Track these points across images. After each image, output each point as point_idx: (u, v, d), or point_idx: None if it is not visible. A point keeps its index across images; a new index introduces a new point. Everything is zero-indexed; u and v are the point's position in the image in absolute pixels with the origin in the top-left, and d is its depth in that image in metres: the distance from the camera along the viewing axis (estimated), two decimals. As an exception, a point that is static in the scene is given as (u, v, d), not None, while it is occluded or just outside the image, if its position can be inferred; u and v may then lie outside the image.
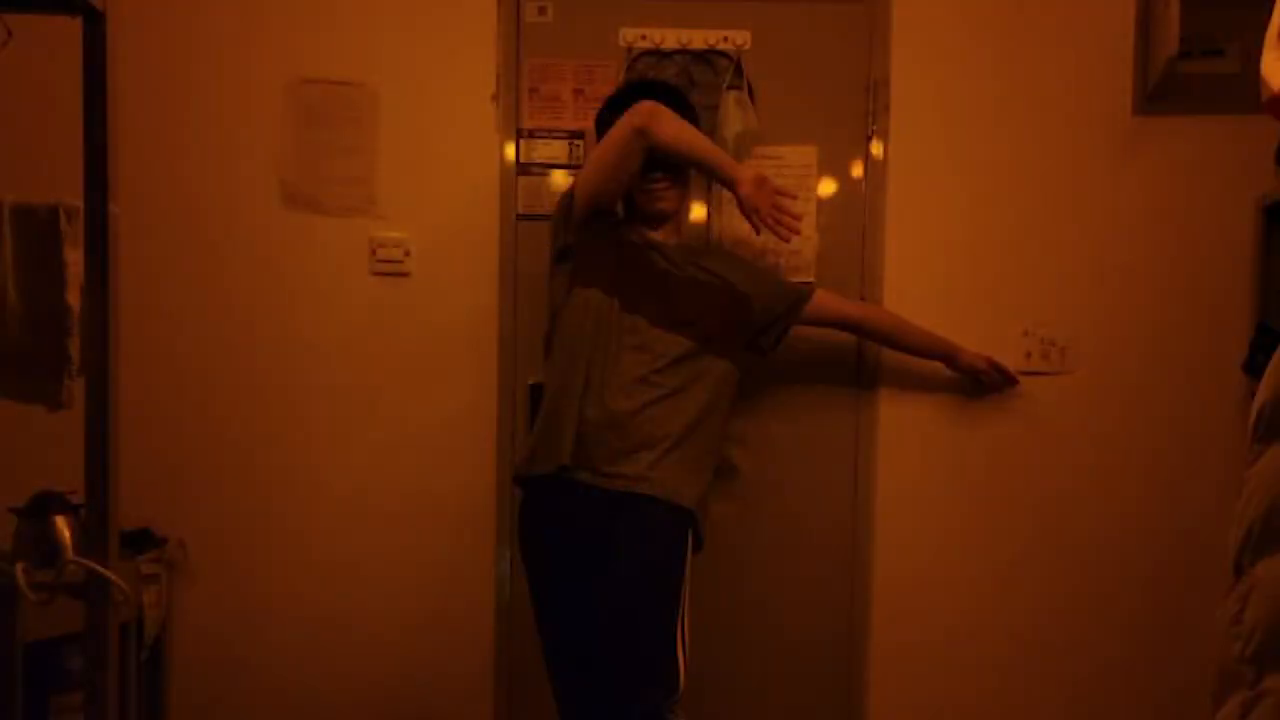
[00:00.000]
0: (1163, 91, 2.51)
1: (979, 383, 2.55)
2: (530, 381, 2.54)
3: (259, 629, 2.60)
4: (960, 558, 2.60)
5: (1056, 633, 2.59)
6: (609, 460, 2.11)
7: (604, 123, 2.27)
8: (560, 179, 2.57)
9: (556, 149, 2.58)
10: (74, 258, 1.55)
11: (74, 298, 1.56)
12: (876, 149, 2.58)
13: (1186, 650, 2.51)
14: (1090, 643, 2.58)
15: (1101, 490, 2.58)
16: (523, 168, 2.59)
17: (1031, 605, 2.59)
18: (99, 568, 1.46)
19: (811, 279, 2.57)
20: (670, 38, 2.56)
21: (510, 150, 2.58)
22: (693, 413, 2.16)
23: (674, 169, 2.26)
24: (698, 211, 2.60)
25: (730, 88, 2.52)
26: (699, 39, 2.56)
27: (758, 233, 2.21)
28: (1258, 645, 0.97)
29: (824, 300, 2.42)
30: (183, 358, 2.58)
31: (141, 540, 2.42)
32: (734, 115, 2.49)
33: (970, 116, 2.57)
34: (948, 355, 2.50)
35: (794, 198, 2.32)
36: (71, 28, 1.46)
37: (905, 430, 2.59)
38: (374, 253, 2.58)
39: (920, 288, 2.57)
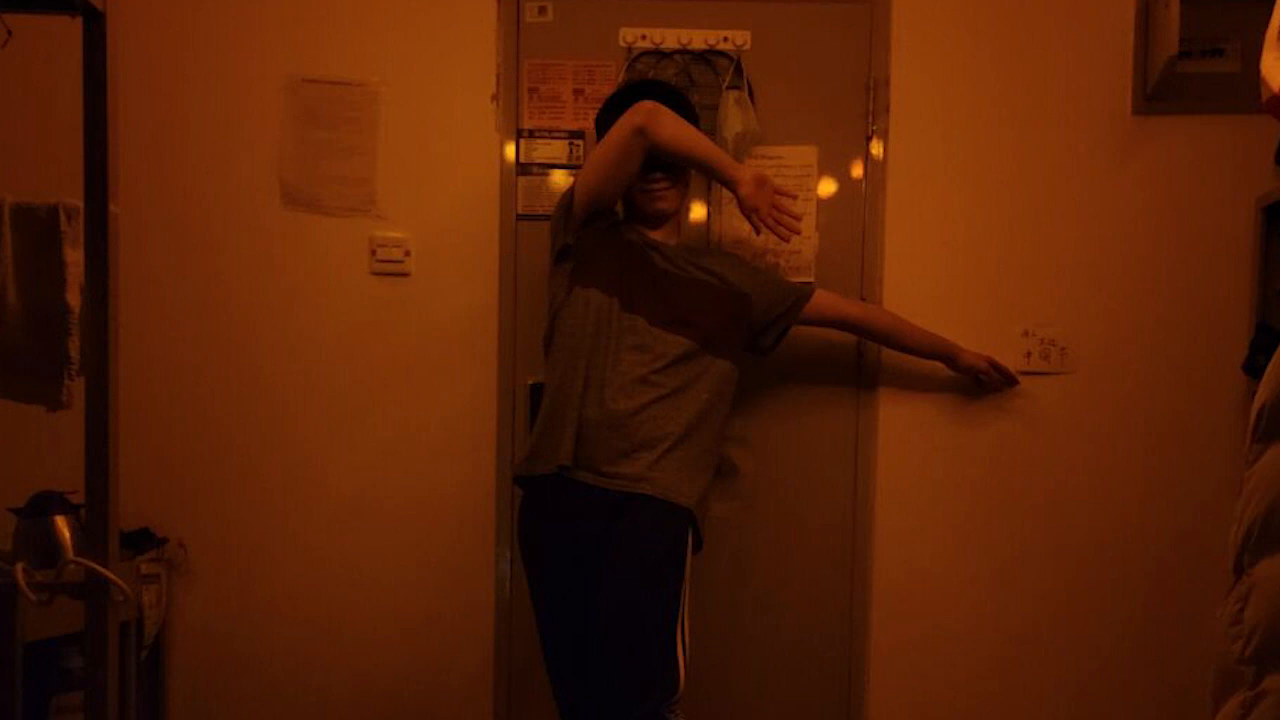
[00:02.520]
0: (1163, 91, 2.51)
1: (979, 383, 2.55)
2: (530, 381, 2.54)
3: (259, 629, 2.60)
4: (960, 557, 2.60)
5: (1056, 632, 2.59)
6: (609, 460, 2.11)
7: (604, 123, 2.27)
8: (560, 179, 2.57)
9: (556, 149, 2.58)
10: (74, 258, 1.55)
11: (74, 298, 1.56)
12: (876, 149, 2.58)
13: (1186, 650, 2.52)
14: (1090, 642, 2.58)
15: (1101, 490, 2.57)
16: (523, 168, 2.58)
17: (1031, 605, 2.59)
18: (99, 568, 1.46)
19: (811, 279, 2.57)
20: (670, 38, 2.56)
21: (510, 150, 2.58)
22: (693, 413, 2.16)
23: (673, 169, 2.26)
24: (698, 211, 2.60)
25: (730, 88, 2.52)
26: (699, 39, 2.55)
27: (758, 232, 2.21)
28: (1258, 645, 0.97)
29: (824, 300, 2.41)
30: (183, 358, 2.58)
31: (141, 540, 2.43)
32: (734, 115, 2.48)
33: (970, 116, 2.57)
34: (948, 355, 2.50)
35: (794, 197, 2.32)
36: (72, 28, 1.46)
37: (905, 430, 2.59)
38: (374, 253, 2.58)
39: (920, 288, 2.57)
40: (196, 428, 2.58)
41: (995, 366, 2.51)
